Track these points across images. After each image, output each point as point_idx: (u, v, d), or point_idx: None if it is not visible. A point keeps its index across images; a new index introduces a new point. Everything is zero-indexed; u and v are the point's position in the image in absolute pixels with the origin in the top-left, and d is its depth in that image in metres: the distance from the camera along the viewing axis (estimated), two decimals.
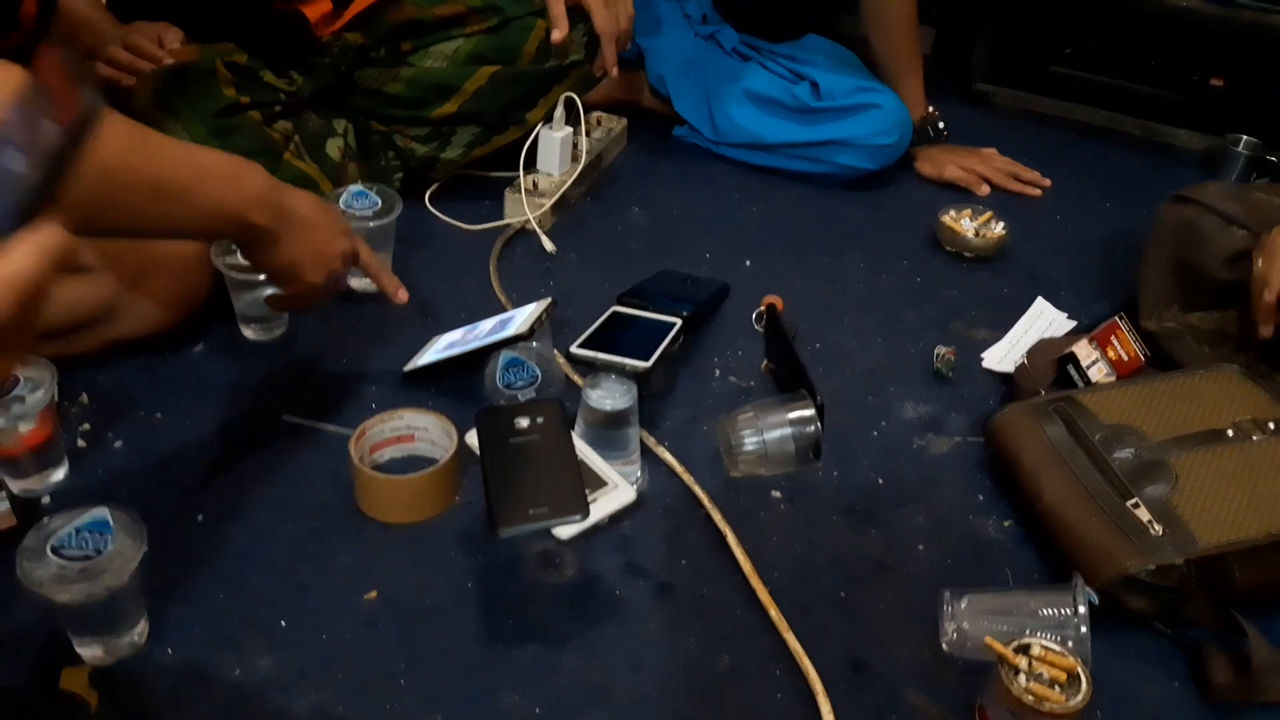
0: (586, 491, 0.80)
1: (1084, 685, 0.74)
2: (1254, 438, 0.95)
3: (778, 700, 0.79)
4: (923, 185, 1.59)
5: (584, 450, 0.89)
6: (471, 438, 0.94)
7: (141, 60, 1.15)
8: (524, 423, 0.85)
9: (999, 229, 1.41)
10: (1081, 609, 0.80)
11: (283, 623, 0.82)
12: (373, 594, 0.85)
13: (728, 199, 1.53)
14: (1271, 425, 0.95)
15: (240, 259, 1.04)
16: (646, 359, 1.00)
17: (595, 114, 1.57)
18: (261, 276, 1.02)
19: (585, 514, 0.77)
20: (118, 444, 0.97)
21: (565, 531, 0.81)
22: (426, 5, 1.37)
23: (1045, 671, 0.75)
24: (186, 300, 1.06)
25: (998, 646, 0.76)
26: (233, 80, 1.18)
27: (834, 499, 0.99)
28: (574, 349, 1.03)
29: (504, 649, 0.81)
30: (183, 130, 1.14)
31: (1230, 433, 0.95)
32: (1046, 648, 0.76)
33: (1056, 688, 0.74)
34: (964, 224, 1.42)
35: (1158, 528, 0.86)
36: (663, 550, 0.91)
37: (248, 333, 1.12)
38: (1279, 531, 0.85)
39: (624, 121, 1.60)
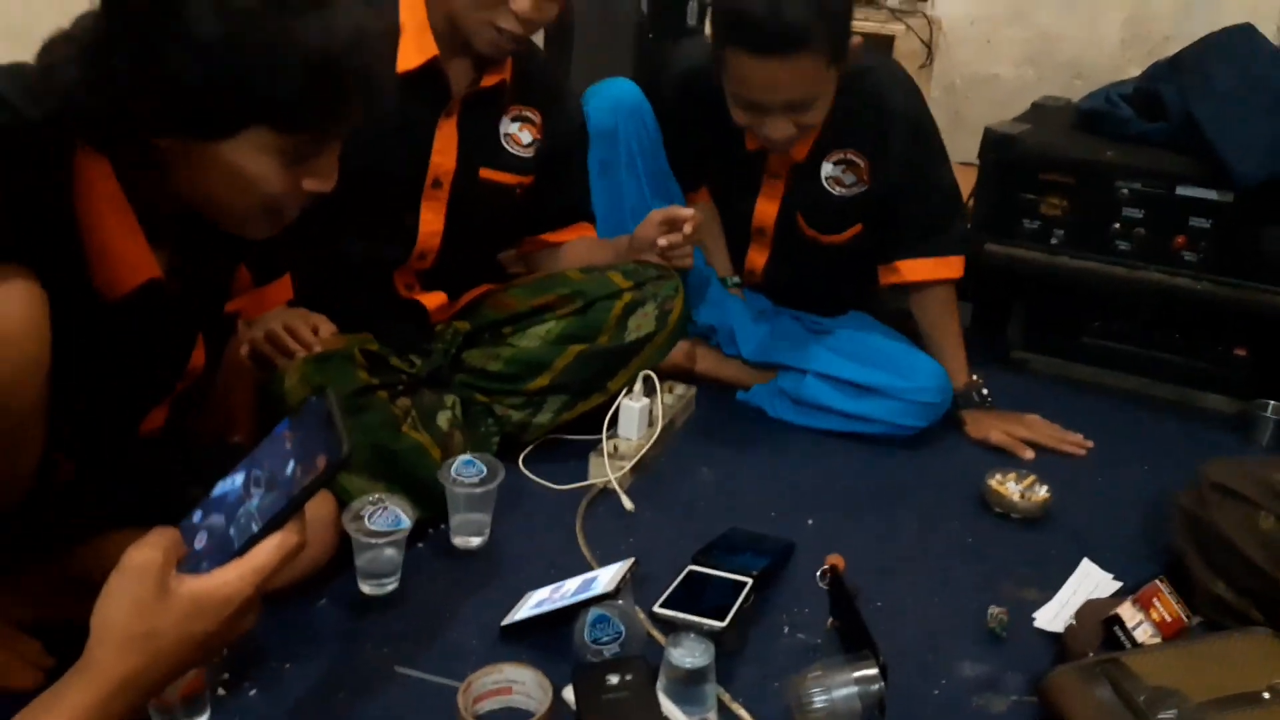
0: None
1: None
2: None
3: None
4: (970, 447, 1.72)
5: (668, 707, 0.99)
6: (568, 693, 1.04)
7: (295, 343, 1.37)
8: (614, 679, 0.96)
9: (1043, 492, 1.53)
10: None
11: None
12: None
13: (788, 459, 1.67)
14: None
15: (367, 523, 1.21)
16: (723, 618, 1.11)
17: (669, 382, 1.75)
18: (379, 540, 1.18)
19: None
20: (252, 692, 1.09)
21: None
22: (524, 297, 1.60)
23: None
24: (319, 558, 1.21)
25: None
26: (366, 365, 1.39)
27: None
28: (656, 609, 1.15)
29: None
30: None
31: (1266, 695, 1.02)
32: None
33: None
34: (1010, 486, 1.54)
35: None
36: None
37: (365, 588, 1.26)
38: None
39: (693, 389, 1.78)
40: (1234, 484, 1.26)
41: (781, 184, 1.75)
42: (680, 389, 1.77)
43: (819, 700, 1.07)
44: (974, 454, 1.70)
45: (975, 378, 1.77)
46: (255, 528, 0.68)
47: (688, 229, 1.53)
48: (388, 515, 1.23)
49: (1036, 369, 2.03)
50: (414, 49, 1.43)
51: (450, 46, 1.46)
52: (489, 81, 1.51)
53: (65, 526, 1.12)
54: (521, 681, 1.08)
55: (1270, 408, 1.77)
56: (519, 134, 1.59)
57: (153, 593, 0.64)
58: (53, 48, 0.91)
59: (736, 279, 1.88)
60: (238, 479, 0.73)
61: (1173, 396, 1.92)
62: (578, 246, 1.72)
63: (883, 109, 1.67)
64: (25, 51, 0.93)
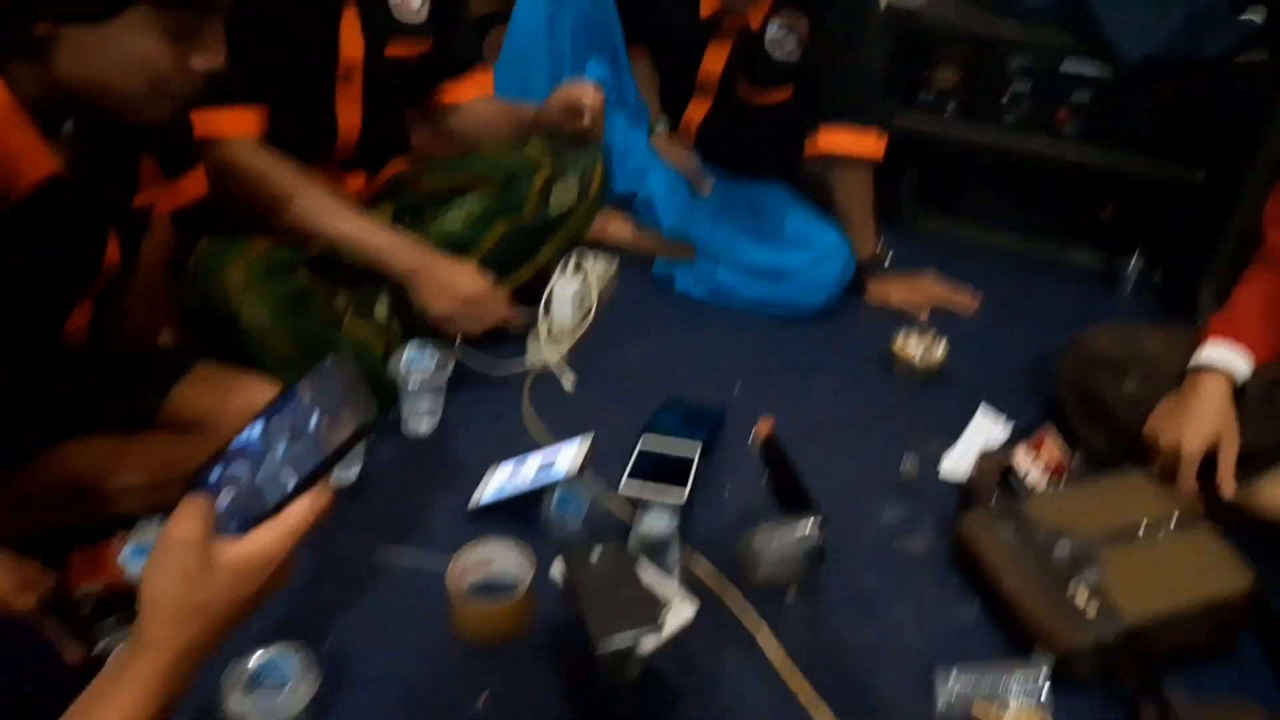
0: (658, 609, 1.00)
1: None
2: (1159, 534, 1.20)
3: None
4: (876, 313, 1.85)
5: (649, 573, 1.09)
6: (554, 570, 1.13)
7: None
8: (597, 555, 1.06)
9: (940, 351, 1.68)
10: (1043, 677, 1.04)
11: None
12: (485, 694, 1.04)
13: (711, 330, 1.77)
14: (1170, 523, 1.21)
15: None
16: (682, 490, 1.22)
17: (593, 255, 1.80)
18: None
19: (658, 632, 0.98)
20: None
21: (646, 645, 1.01)
22: (443, 178, 1.61)
23: None
24: None
25: (983, 711, 0.99)
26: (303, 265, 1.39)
27: (837, 598, 1.22)
28: (622, 490, 1.25)
29: None
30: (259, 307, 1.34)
31: (1141, 531, 1.20)
32: (1020, 708, 0.99)
33: None
34: (911, 348, 1.68)
35: (1092, 610, 1.11)
36: (707, 648, 1.12)
37: None
38: (1181, 608, 1.11)
39: (616, 261, 1.84)
40: (1107, 351, 1.43)
41: (729, 44, 1.80)
42: (604, 262, 1.82)
43: (765, 555, 1.21)
44: (880, 320, 1.83)
45: (881, 248, 1.89)
46: (290, 484, 0.69)
47: (588, 120, 1.54)
48: None
49: (927, 229, 2.17)
50: None
51: None
52: None
53: (13, 442, 1.12)
54: (503, 556, 1.17)
55: (1131, 264, 1.97)
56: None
57: (198, 566, 0.66)
58: None
59: (663, 126, 1.94)
60: (254, 432, 0.73)
61: (1047, 255, 2.10)
62: (478, 109, 1.70)
63: None
64: None
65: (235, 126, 1.35)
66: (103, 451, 1.16)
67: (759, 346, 1.74)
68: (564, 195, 1.63)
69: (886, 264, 1.90)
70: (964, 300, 1.88)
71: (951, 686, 1.05)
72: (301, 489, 0.70)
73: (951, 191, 2.12)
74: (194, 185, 1.24)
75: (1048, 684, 1.03)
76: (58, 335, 1.12)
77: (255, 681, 0.90)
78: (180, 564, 0.66)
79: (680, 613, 1.02)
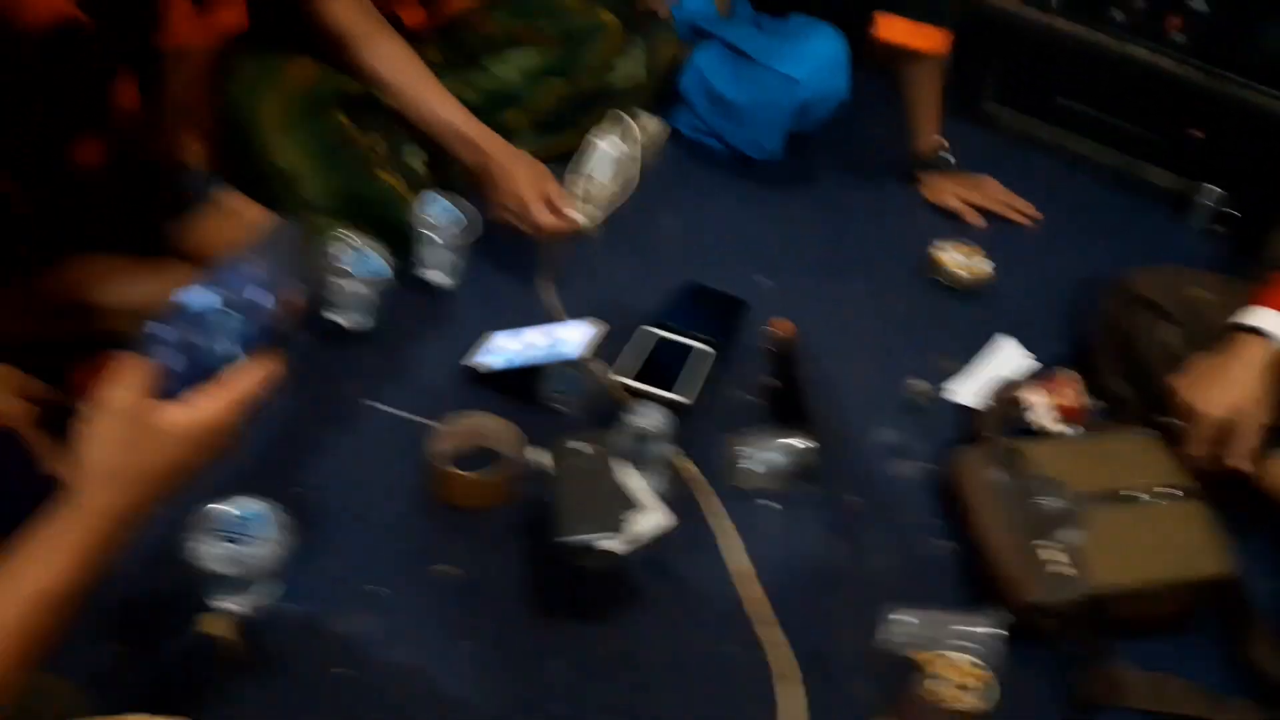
0: (631, 512, 1.03)
1: (986, 690, 0.99)
2: (1161, 502, 1.18)
3: (749, 666, 1.05)
4: (925, 211, 1.78)
5: (629, 479, 1.11)
6: (539, 456, 1.15)
7: None
8: (586, 450, 1.08)
9: (987, 267, 1.61)
10: (993, 630, 1.05)
11: (376, 588, 1.06)
12: (448, 568, 1.09)
13: (749, 211, 1.72)
14: (1177, 492, 1.19)
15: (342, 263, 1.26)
16: (689, 392, 1.22)
17: (642, 119, 1.73)
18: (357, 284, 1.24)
19: (619, 536, 1.01)
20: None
21: (610, 545, 1.03)
22: (505, 21, 1.53)
23: (954, 677, 1.00)
24: None
25: (916, 656, 1.01)
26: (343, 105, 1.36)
27: (816, 514, 1.23)
28: (629, 381, 1.25)
29: (553, 617, 1.06)
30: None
31: (1140, 496, 1.18)
32: (956, 658, 1.01)
33: (963, 691, 0.99)
34: (954, 257, 1.62)
35: (1060, 568, 1.11)
36: (679, 548, 1.14)
37: (339, 319, 1.31)
38: (1152, 582, 1.10)
39: (667, 128, 1.77)
40: (1154, 295, 1.36)
41: None
42: (654, 127, 1.75)
43: (753, 461, 1.22)
44: (929, 219, 1.75)
45: (941, 140, 1.79)
46: (239, 352, 0.69)
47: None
48: (367, 260, 1.28)
49: (1005, 124, 2.04)
50: None
51: None
52: None
53: (31, 251, 1.15)
54: (494, 429, 1.20)
55: (1208, 192, 1.84)
56: None
57: (138, 430, 0.65)
58: None
59: None
60: (211, 298, 0.70)
61: (1126, 168, 1.97)
62: None
63: None
64: None
65: None
66: (108, 269, 1.18)
67: (798, 235, 1.69)
68: (628, 68, 1.56)
69: (949, 163, 1.80)
70: (1023, 210, 1.79)
71: (896, 625, 1.07)
72: (250, 357, 0.70)
73: (1037, 87, 1.97)
74: (230, 16, 1.20)
75: (997, 637, 1.04)
76: (60, 162, 1.12)
77: (223, 529, 0.95)
78: (117, 430, 0.65)
79: (651, 520, 1.04)
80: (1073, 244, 1.77)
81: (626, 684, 1.02)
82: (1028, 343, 1.52)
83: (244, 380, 0.70)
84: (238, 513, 0.96)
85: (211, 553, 0.94)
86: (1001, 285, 1.62)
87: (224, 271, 0.71)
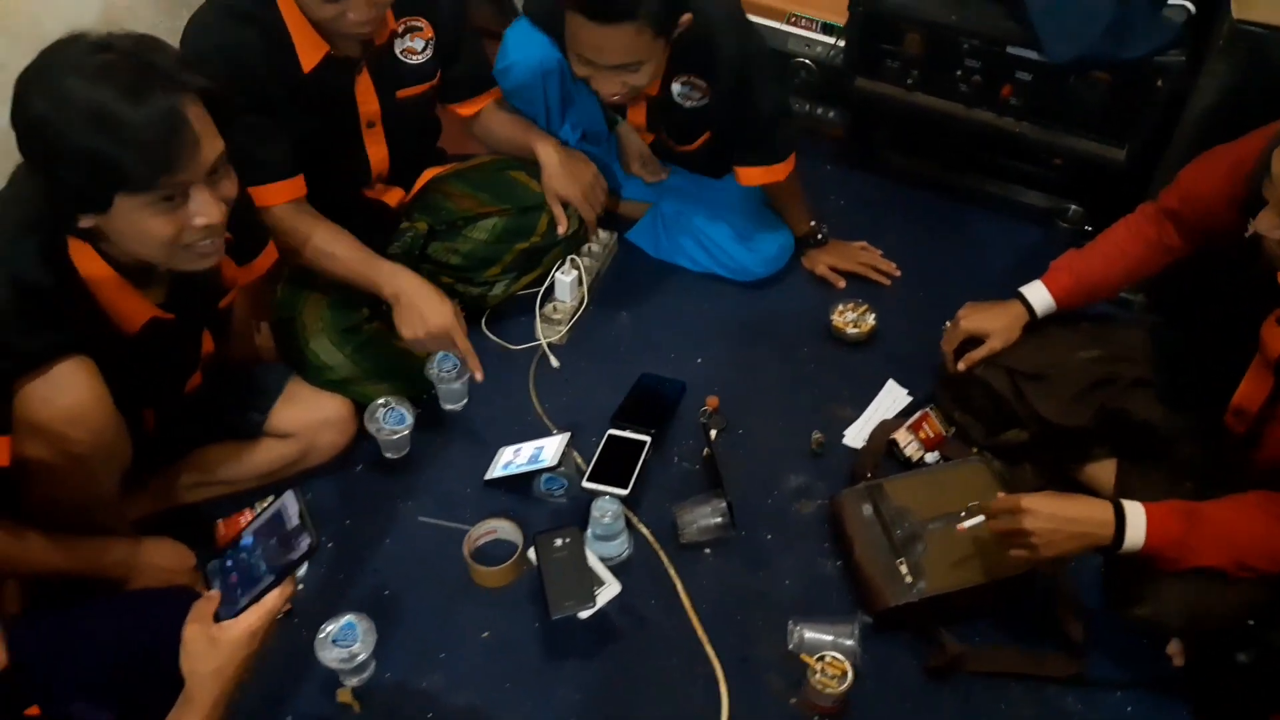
0: (593, 589, 1.53)
1: (849, 677, 1.47)
2: (978, 518, 1.63)
3: (696, 675, 1.54)
4: (820, 284, 2.19)
5: (593, 560, 1.60)
6: (531, 554, 1.65)
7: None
8: (560, 543, 1.57)
9: (871, 320, 2.05)
10: (858, 630, 1.54)
11: (442, 655, 1.58)
12: (486, 634, 1.60)
13: (685, 300, 2.16)
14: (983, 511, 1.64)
15: (382, 422, 1.75)
16: (626, 484, 1.70)
17: (594, 235, 2.18)
18: (394, 434, 1.74)
19: (593, 605, 1.50)
20: (329, 545, 1.71)
21: (583, 613, 1.53)
22: (471, 193, 2.00)
23: (830, 670, 1.49)
24: (339, 443, 1.79)
25: (806, 659, 1.50)
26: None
27: (740, 552, 1.71)
28: (585, 483, 1.73)
29: (560, 658, 1.57)
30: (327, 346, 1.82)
31: (963, 514, 1.64)
32: (831, 656, 1.49)
33: (836, 680, 1.48)
34: (846, 317, 2.05)
35: (909, 579, 1.58)
36: (645, 592, 1.63)
37: (387, 454, 1.82)
38: (976, 583, 1.56)
39: (615, 236, 2.22)
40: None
41: (643, 105, 2.02)
42: (604, 236, 2.20)
43: (690, 524, 1.70)
44: (825, 292, 2.16)
45: (814, 223, 2.20)
46: (268, 580, 1.13)
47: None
48: (395, 414, 1.77)
49: (897, 167, 2.47)
50: (309, 49, 1.66)
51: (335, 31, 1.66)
52: (380, 39, 1.75)
53: (164, 452, 1.66)
54: (504, 528, 1.70)
55: (1070, 212, 2.27)
56: (412, 44, 1.81)
57: (209, 646, 1.10)
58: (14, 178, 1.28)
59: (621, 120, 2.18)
60: (248, 541, 1.17)
61: (1003, 194, 2.38)
62: (491, 120, 2.02)
63: (711, 45, 1.84)
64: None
65: (276, 197, 1.72)
66: (227, 453, 1.71)
67: (723, 315, 2.12)
68: (567, 225, 2.02)
69: (822, 239, 2.21)
70: (885, 269, 2.19)
71: (796, 634, 1.56)
72: (275, 584, 1.13)
73: (916, 142, 2.40)
74: (264, 262, 1.67)
75: (858, 636, 1.52)
76: (179, 399, 1.60)
77: (333, 639, 1.46)
78: (197, 648, 1.11)
79: (609, 591, 1.54)
80: (950, 279, 2.17)
81: (615, 696, 1.53)
82: (909, 382, 1.96)
83: (270, 599, 1.14)
84: (337, 627, 1.47)
85: (328, 656, 1.46)
86: (886, 335, 2.06)
87: (256, 525, 1.19)
